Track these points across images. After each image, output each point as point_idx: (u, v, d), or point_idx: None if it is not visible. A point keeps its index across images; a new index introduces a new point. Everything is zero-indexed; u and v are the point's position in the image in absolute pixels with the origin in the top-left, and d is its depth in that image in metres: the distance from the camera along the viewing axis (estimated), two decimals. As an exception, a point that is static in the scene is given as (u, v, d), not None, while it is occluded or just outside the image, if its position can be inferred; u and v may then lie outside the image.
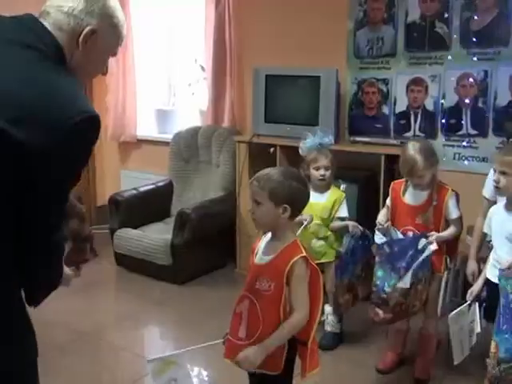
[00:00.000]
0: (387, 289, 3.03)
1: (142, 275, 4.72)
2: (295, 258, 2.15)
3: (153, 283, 4.64)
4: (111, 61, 5.93)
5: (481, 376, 3.14)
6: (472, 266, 3.12)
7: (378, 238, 3.18)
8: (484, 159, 4.11)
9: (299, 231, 2.75)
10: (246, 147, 4.71)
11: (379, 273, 3.10)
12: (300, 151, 3.67)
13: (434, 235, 3.05)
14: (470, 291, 2.94)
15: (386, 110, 4.53)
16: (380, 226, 3.16)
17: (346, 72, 4.59)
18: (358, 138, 4.43)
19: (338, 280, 3.50)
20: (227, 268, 4.97)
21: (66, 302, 4.05)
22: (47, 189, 1.46)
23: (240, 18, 5.01)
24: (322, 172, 3.56)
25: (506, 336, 2.25)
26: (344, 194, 3.63)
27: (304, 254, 2.18)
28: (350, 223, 3.52)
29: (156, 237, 4.72)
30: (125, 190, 5.27)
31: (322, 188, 3.61)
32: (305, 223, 3.17)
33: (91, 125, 1.48)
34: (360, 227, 3.51)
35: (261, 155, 4.66)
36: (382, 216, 3.26)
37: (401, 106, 4.46)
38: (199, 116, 5.57)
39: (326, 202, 3.59)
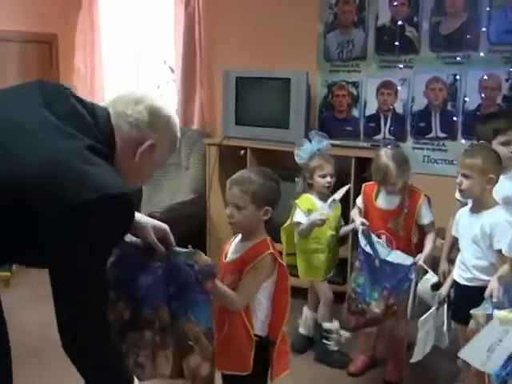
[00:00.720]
0: (368, 300, 3.04)
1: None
2: (264, 254, 2.16)
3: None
4: (79, 60, 5.84)
5: (451, 377, 3.18)
6: (443, 265, 3.15)
7: (363, 243, 3.11)
8: (453, 162, 4.14)
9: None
10: (216, 150, 4.67)
11: (360, 280, 3.08)
12: (297, 159, 3.48)
13: (421, 258, 3.05)
14: (438, 294, 2.95)
15: (355, 112, 4.54)
16: (364, 227, 3.11)
17: (317, 75, 4.60)
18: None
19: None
20: (198, 272, 4.91)
21: (38, 309, 3.97)
22: (56, 260, 1.47)
23: (210, 20, 4.98)
24: (328, 179, 3.38)
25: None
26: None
27: (272, 250, 2.18)
28: (357, 221, 3.26)
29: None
30: (93, 193, 5.18)
31: (327, 196, 3.40)
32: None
33: (111, 206, 1.45)
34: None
35: (231, 158, 4.63)
36: (359, 216, 3.24)
37: (371, 109, 4.48)
38: (168, 118, 5.51)
39: (336, 211, 3.42)
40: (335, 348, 3.53)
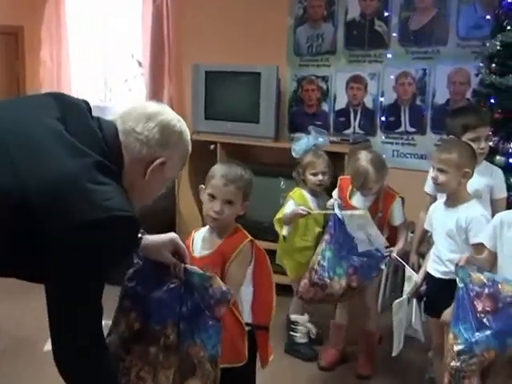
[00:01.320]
0: (332, 275, 3.03)
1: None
2: (244, 242, 2.17)
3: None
4: (45, 53, 5.74)
5: (422, 369, 3.20)
6: (413, 259, 3.17)
7: (338, 212, 3.11)
8: (422, 156, 4.18)
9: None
10: (185, 144, 4.62)
11: (327, 253, 3.06)
12: (293, 153, 3.45)
13: (393, 251, 3.08)
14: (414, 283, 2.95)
15: (325, 107, 4.54)
16: (340, 202, 3.13)
17: (286, 69, 4.58)
18: (297, 135, 4.41)
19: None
20: (167, 267, 4.87)
21: (3, 307, 3.90)
22: (57, 276, 1.44)
23: (178, 13, 4.93)
24: (319, 177, 3.33)
25: (464, 327, 2.27)
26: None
27: (250, 237, 2.20)
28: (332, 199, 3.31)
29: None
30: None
31: (319, 193, 3.39)
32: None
33: (119, 227, 1.41)
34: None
35: (201, 152, 4.57)
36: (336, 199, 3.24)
37: (340, 104, 4.48)
38: (136, 113, 5.45)
39: (323, 207, 3.37)
40: (302, 340, 3.54)
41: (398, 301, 2.92)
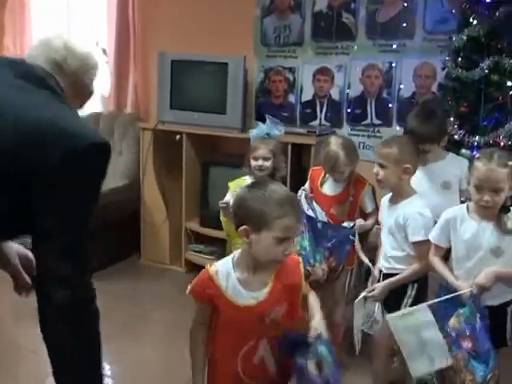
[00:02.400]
0: (313, 262, 3.05)
1: (41, 268, 4.48)
2: (300, 268, 2.05)
3: (52, 276, 4.42)
4: (8, 41, 5.62)
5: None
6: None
7: (306, 208, 3.15)
8: (388, 149, 4.20)
9: None
10: (150, 134, 4.57)
11: (304, 243, 3.08)
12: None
13: (358, 220, 3.11)
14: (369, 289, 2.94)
15: (292, 98, 4.53)
16: (307, 193, 3.16)
17: (253, 59, 4.55)
18: (255, 123, 4.38)
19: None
20: (131, 259, 4.83)
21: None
22: (50, 211, 1.58)
23: (144, 0, 4.85)
24: (259, 162, 3.33)
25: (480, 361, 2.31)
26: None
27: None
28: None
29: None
30: None
31: None
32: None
33: (97, 153, 1.64)
34: None
35: (166, 143, 4.55)
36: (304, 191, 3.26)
37: (307, 95, 4.48)
38: (100, 101, 5.37)
39: None
40: None
41: (358, 299, 2.93)
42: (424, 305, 2.40)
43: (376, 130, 4.25)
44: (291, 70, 4.49)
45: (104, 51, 5.22)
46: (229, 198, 3.39)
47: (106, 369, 3.42)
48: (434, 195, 2.94)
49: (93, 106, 5.37)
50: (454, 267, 2.49)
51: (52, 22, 5.52)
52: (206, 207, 4.43)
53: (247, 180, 3.47)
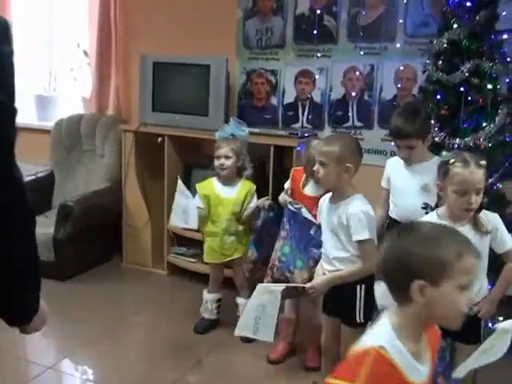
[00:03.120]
0: (292, 269, 3.07)
1: (22, 271, 4.44)
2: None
3: (33, 279, 4.37)
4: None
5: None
6: None
7: (292, 208, 3.16)
8: (369, 151, 4.21)
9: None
10: (132, 136, 4.56)
11: (285, 249, 3.11)
12: None
13: None
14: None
15: (274, 101, 4.54)
16: (296, 205, 3.13)
17: (235, 62, 4.55)
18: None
19: (256, 254, 3.47)
20: (113, 262, 4.81)
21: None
22: None
23: (126, 2, 4.84)
24: (221, 161, 3.51)
25: None
26: (254, 186, 3.60)
27: None
28: (259, 201, 3.55)
29: (36, 231, 4.44)
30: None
31: (228, 180, 3.57)
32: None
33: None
34: (268, 200, 3.54)
35: (148, 145, 4.53)
36: (287, 196, 3.28)
37: (289, 98, 4.48)
38: (82, 103, 5.34)
39: (238, 196, 3.56)
40: (204, 315, 3.73)
41: (264, 285, 2.95)
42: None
43: (358, 132, 4.27)
44: (273, 72, 4.50)
45: (85, 53, 5.19)
46: (199, 201, 3.57)
47: (89, 373, 3.41)
48: (412, 196, 2.99)
49: (74, 108, 5.35)
50: None
51: (33, 22, 5.48)
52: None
53: (214, 181, 3.58)
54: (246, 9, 4.49)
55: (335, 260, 2.70)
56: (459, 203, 2.39)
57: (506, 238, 2.50)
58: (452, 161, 2.41)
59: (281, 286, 2.85)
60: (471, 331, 2.41)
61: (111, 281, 4.49)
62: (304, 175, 3.26)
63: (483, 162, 2.41)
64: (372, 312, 2.74)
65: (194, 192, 3.65)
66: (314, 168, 2.73)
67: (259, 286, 2.86)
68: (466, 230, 2.40)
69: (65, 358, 3.44)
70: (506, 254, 2.52)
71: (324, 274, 2.78)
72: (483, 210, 2.51)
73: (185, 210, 3.51)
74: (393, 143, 3.11)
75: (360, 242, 2.60)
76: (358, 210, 2.59)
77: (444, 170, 2.44)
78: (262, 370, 3.35)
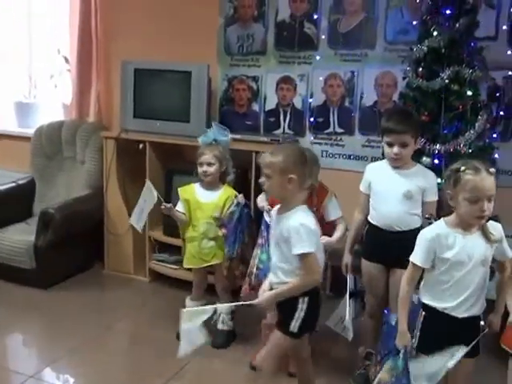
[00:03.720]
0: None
1: (2, 280, 4.38)
2: None
3: (14, 289, 4.31)
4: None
5: (352, 366, 3.27)
6: (346, 258, 3.22)
7: (268, 220, 3.15)
8: (350, 157, 4.26)
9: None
10: (113, 143, 4.55)
11: (263, 256, 3.12)
12: None
13: (324, 239, 3.04)
14: None
15: (256, 107, 4.56)
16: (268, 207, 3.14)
17: (217, 68, 4.57)
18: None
19: (232, 250, 3.46)
20: (95, 269, 4.78)
21: None
22: None
23: (107, 8, 4.84)
24: (204, 168, 3.52)
25: None
26: (235, 193, 3.59)
27: None
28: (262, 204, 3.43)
29: (17, 238, 4.42)
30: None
31: (210, 185, 3.58)
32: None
33: None
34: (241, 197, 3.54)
35: (129, 151, 4.52)
36: (264, 201, 3.29)
37: (270, 104, 4.51)
38: (62, 110, 5.31)
39: (218, 201, 3.55)
40: (221, 327, 3.70)
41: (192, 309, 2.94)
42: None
43: (338, 138, 4.31)
44: (255, 78, 4.52)
45: (66, 59, 5.17)
46: (179, 205, 3.60)
47: (71, 381, 3.40)
48: (393, 202, 3.00)
49: (55, 115, 5.32)
50: (437, 284, 2.50)
51: (13, 28, 5.46)
52: (169, 216, 4.40)
53: (196, 186, 3.61)
54: (227, 16, 4.51)
55: (280, 271, 2.67)
56: (472, 211, 2.37)
57: (507, 247, 2.52)
58: (463, 168, 2.39)
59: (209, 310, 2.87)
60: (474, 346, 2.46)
61: (93, 288, 4.46)
62: None
63: (493, 170, 2.40)
64: (312, 327, 2.80)
65: (175, 196, 3.66)
66: (260, 180, 2.75)
67: (185, 312, 2.83)
68: (475, 237, 2.43)
69: (47, 366, 3.40)
70: (505, 263, 2.54)
71: (270, 286, 2.74)
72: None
73: (141, 210, 3.61)
74: (384, 143, 3.05)
75: (300, 255, 2.55)
76: (297, 222, 2.54)
77: (454, 177, 2.40)
78: (245, 376, 3.34)
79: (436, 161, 3.35)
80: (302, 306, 2.63)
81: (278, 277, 2.69)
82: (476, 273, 2.43)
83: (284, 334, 2.69)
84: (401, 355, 2.52)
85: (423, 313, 2.53)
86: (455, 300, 2.45)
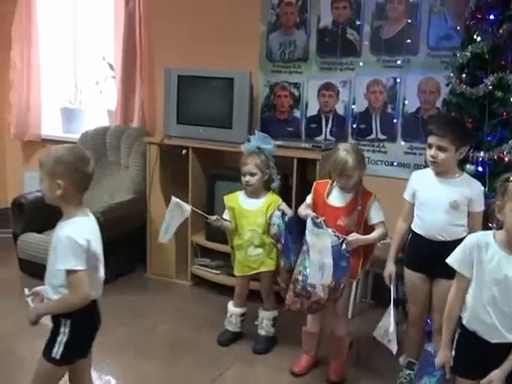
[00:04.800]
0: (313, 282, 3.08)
1: (47, 281, 4.49)
2: None
3: (59, 289, 4.43)
4: (15, 55, 5.74)
5: (393, 374, 3.25)
6: (389, 268, 3.17)
7: (310, 229, 3.15)
8: (392, 163, 4.24)
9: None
10: (156, 148, 4.62)
11: (306, 263, 3.10)
12: None
13: (354, 236, 3.11)
14: None
15: (297, 113, 4.58)
16: (317, 220, 3.11)
17: (259, 75, 4.60)
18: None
19: (289, 263, 3.43)
20: (137, 272, 4.85)
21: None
22: None
23: (151, 16, 4.92)
24: (246, 178, 3.54)
25: None
26: (280, 200, 3.60)
27: None
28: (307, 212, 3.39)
29: (62, 241, 4.53)
30: (29, 192, 5.02)
31: (254, 193, 3.59)
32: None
33: None
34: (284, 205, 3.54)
35: (172, 157, 4.59)
36: (307, 209, 3.28)
37: (312, 110, 4.52)
38: (107, 115, 5.42)
39: (261, 207, 3.56)
40: (228, 327, 3.76)
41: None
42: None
43: (381, 144, 4.29)
44: (296, 85, 4.54)
45: (111, 66, 5.27)
46: (227, 214, 3.63)
47: (112, 382, 3.45)
48: (440, 212, 2.94)
49: (100, 120, 5.43)
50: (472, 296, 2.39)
51: (59, 36, 5.60)
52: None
53: (240, 194, 3.62)
54: (269, 23, 4.55)
55: (49, 286, 2.44)
56: None
57: None
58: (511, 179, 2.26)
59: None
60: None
61: (135, 291, 4.53)
62: (327, 186, 3.27)
63: None
64: (82, 353, 2.54)
65: (217, 202, 3.70)
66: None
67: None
68: None
69: (90, 367, 3.47)
70: None
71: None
72: None
73: (168, 225, 3.60)
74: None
75: (65, 271, 2.32)
76: (63, 235, 2.33)
77: (503, 187, 2.26)
78: (285, 382, 3.36)
79: (480, 168, 3.33)
80: (65, 329, 2.41)
81: (46, 292, 2.46)
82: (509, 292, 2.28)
83: (46, 360, 2.43)
84: (437, 374, 2.47)
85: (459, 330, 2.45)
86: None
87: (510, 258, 2.28)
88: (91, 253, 2.41)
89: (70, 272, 2.31)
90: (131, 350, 3.65)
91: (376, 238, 3.22)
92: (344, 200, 3.20)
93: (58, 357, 2.41)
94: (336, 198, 3.23)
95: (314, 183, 3.39)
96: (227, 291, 3.96)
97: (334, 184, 3.24)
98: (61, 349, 2.41)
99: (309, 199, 3.34)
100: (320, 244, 3.05)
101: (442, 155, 2.90)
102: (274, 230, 3.49)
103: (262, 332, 3.69)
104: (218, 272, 4.43)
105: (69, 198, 2.40)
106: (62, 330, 2.41)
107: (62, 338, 2.41)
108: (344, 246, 3.07)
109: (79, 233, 2.35)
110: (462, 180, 2.98)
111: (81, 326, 2.44)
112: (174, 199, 3.56)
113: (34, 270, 4.61)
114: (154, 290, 4.62)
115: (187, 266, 4.64)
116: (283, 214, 3.50)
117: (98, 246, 2.50)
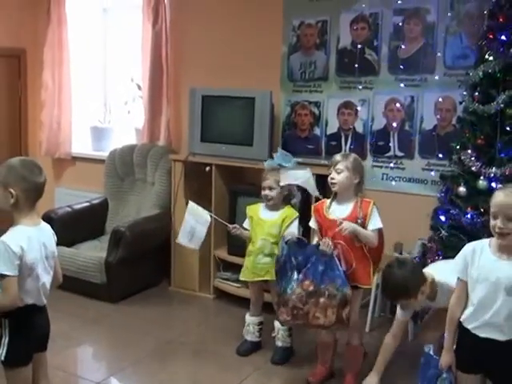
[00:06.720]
0: (289, 291, 3.20)
1: (76, 294, 4.62)
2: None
3: (86, 302, 4.59)
4: (47, 76, 5.92)
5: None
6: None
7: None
8: (410, 180, 4.31)
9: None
10: (181, 166, 4.76)
11: (290, 284, 3.23)
12: None
13: (349, 223, 3.19)
14: None
15: (317, 131, 4.68)
16: (326, 248, 3.19)
17: (280, 94, 4.73)
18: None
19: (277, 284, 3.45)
20: (162, 285, 4.98)
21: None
22: None
23: (177, 38, 5.10)
24: (266, 192, 3.68)
25: None
26: (297, 214, 3.70)
27: None
28: (287, 232, 3.60)
29: (90, 255, 4.70)
30: (59, 207, 5.22)
31: (272, 207, 3.71)
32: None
33: None
34: (295, 235, 3.55)
35: (196, 174, 4.72)
36: (316, 238, 3.37)
37: (332, 128, 4.63)
38: (135, 134, 5.59)
39: (276, 219, 3.68)
40: (246, 337, 3.88)
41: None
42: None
43: (399, 161, 4.37)
44: (316, 104, 4.66)
45: (139, 87, 5.45)
46: (247, 223, 3.80)
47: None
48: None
49: (128, 139, 5.61)
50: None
51: (89, 58, 5.80)
52: (233, 236, 4.56)
53: (261, 206, 3.77)
54: (290, 44, 4.68)
55: None
56: None
57: None
58: None
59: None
60: None
61: (159, 303, 4.65)
62: (325, 204, 3.37)
63: None
64: (27, 353, 2.53)
65: (239, 216, 3.80)
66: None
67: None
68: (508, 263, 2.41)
69: (112, 375, 3.59)
70: None
71: None
72: None
73: (191, 230, 3.76)
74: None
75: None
76: (0, 240, 2.40)
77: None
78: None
79: (493, 184, 3.39)
80: (5, 330, 2.47)
81: None
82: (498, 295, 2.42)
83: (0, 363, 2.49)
84: (444, 375, 2.54)
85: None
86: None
87: (501, 262, 2.43)
88: (24, 261, 2.43)
89: (1, 276, 2.38)
90: (154, 359, 3.76)
91: (368, 235, 3.23)
92: (344, 211, 3.28)
93: (2, 358, 2.47)
94: (337, 211, 3.31)
95: (313, 206, 3.49)
96: (248, 304, 4.05)
97: (331, 199, 3.35)
98: (5, 350, 2.47)
99: (313, 225, 3.42)
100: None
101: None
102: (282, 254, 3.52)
103: (279, 343, 3.77)
104: (239, 286, 4.53)
105: (20, 206, 2.50)
106: (2, 331, 2.48)
107: (5, 340, 2.47)
108: (336, 253, 3.18)
109: (15, 240, 2.41)
110: None
111: (18, 328, 2.48)
112: (191, 203, 3.77)
113: (62, 281, 4.75)
114: (178, 302, 4.74)
115: (210, 279, 4.76)
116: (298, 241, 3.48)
117: (34, 255, 2.48)
